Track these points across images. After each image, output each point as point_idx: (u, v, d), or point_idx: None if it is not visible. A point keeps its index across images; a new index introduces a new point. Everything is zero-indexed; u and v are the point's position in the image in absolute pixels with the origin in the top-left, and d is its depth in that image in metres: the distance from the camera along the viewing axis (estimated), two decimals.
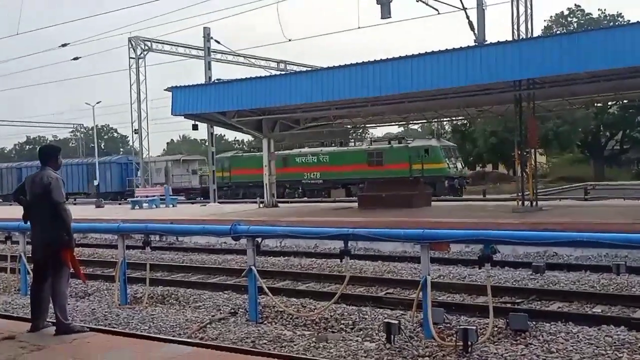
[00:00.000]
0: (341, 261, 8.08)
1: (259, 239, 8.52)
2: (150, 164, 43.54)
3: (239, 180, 41.38)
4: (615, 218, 16.13)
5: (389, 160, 35.83)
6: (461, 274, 11.32)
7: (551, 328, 7.35)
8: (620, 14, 54.13)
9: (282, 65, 43.36)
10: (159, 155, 66.32)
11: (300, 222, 18.48)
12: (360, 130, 68.30)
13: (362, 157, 36.85)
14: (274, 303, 8.68)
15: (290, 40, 37.55)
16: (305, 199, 37.62)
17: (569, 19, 55.30)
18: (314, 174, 38.66)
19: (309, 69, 35.97)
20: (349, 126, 34.61)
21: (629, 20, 46.50)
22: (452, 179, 35.42)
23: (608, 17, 53.90)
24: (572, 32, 35.68)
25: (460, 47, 17.72)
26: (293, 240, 16.92)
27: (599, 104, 30.99)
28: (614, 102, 28.66)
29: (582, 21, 54.43)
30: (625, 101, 26.96)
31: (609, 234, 6.28)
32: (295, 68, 42.31)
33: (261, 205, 27.45)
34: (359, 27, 33.70)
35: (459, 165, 37.12)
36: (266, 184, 27.19)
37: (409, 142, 37.09)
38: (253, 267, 8.25)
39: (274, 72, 38.12)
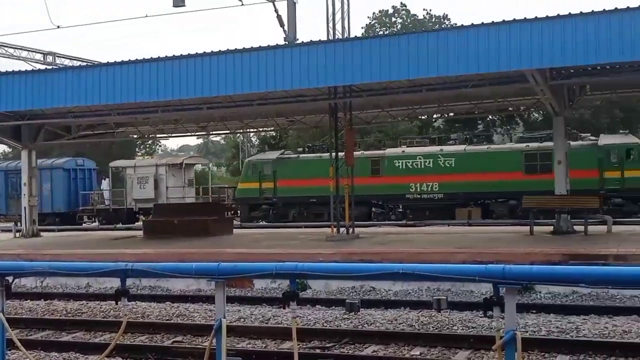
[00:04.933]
0: (117, 304, 7.89)
1: (10, 278, 8.11)
2: (127, 171, 36.74)
3: (290, 195, 33.87)
4: (438, 246, 17.43)
5: None
6: (265, 315, 11.58)
7: None
8: (447, 15, 58.74)
9: (50, 58, 41.56)
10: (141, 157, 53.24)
11: (68, 255, 18.01)
12: (150, 142, 67.30)
13: (515, 160, 30.23)
14: None
15: (58, 27, 35.73)
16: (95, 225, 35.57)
17: (393, 18, 58.93)
18: (428, 185, 31.95)
19: (88, 63, 34.85)
20: (134, 136, 33.91)
21: (456, 23, 50.75)
22: None
23: (434, 19, 58.20)
24: (394, 33, 37.82)
25: (268, 46, 18.15)
26: (58, 279, 16.42)
27: (422, 117, 33.11)
28: (439, 115, 30.79)
29: (407, 22, 58.25)
30: (451, 114, 28.98)
31: (430, 264, 6.73)
32: (69, 63, 40.75)
33: (17, 235, 26.28)
34: (146, 15, 32.93)
35: None
36: (25, 207, 26.03)
37: (593, 139, 30.62)
38: (1, 315, 7.82)
39: (39, 67, 36.31)
